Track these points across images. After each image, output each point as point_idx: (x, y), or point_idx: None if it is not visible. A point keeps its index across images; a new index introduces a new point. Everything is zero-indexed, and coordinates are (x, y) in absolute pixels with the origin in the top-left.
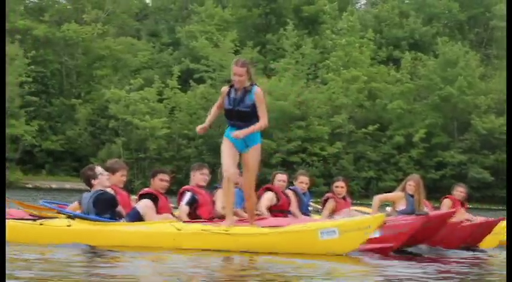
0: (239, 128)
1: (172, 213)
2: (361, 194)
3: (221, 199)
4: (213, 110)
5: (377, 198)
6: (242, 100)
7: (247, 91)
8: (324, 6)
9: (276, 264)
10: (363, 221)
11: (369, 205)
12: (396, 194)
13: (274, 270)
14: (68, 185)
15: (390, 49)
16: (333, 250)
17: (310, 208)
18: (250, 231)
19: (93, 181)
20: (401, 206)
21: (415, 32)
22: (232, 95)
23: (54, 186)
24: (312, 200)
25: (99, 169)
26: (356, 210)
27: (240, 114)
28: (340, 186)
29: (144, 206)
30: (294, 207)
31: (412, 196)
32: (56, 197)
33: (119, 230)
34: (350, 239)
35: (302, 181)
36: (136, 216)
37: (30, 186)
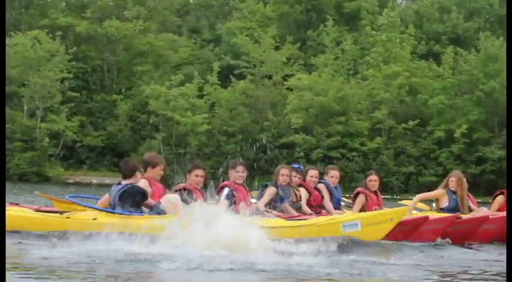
0: None
1: None
2: (401, 189)
3: (267, 196)
4: None
5: (417, 197)
6: None
7: None
8: (364, 3)
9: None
10: (385, 214)
11: (409, 199)
12: (437, 192)
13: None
14: (108, 180)
15: (431, 44)
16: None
17: (342, 203)
18: (277, 224)
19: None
20: (444, 203)
21: (458, 27)
22: None
23: (94, 181)
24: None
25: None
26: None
27: None
28: (373, 180)
29: (166, 201)
30: (327, 201)
31: (454, 192)
32: (97, 192)
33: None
34: (372, 232)
35: (332, 175)
36: (159, 212)
37: (71, 181)
